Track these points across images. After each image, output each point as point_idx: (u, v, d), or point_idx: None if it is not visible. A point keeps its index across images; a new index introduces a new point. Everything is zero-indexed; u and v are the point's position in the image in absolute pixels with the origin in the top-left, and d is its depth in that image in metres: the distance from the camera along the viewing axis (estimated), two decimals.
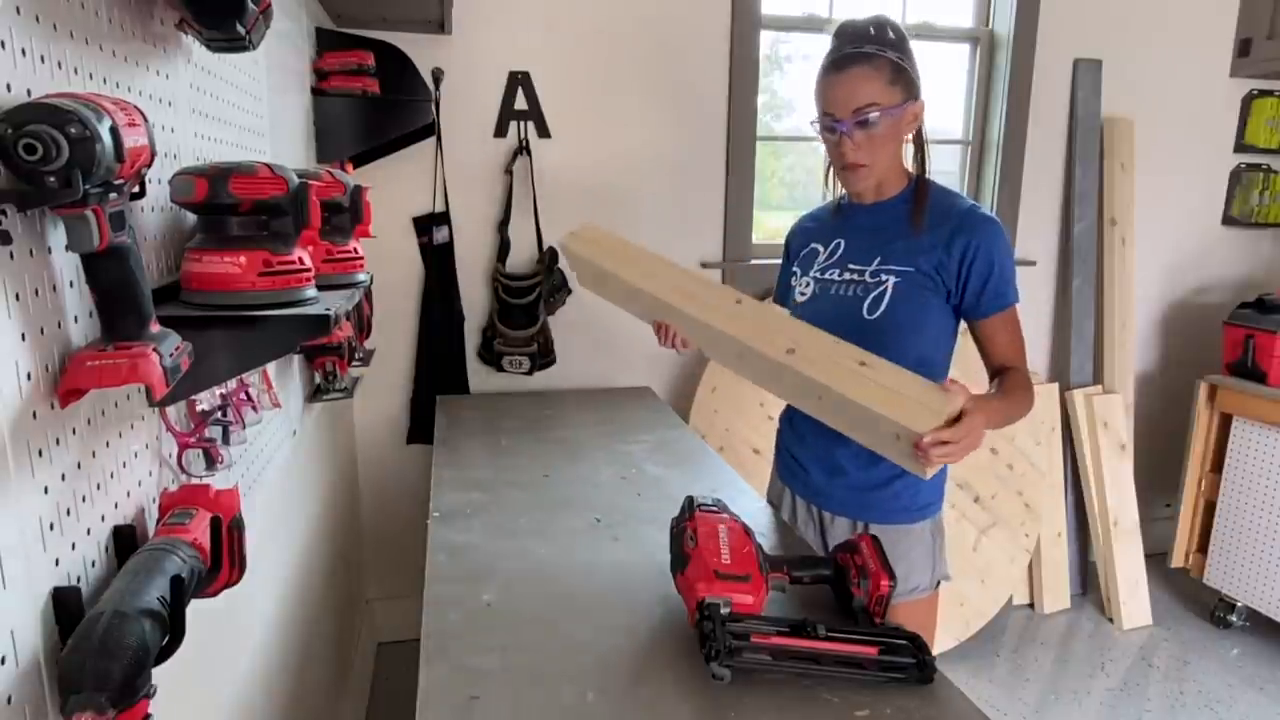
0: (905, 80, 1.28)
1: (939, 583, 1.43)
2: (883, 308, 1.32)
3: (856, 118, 1.26)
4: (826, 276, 1.40)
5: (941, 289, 1.32)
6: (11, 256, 0.58)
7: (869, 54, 1.26)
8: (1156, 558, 2.91)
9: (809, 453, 1.47)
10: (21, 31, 0.61)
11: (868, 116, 1.26)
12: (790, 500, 1.53)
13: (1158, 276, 2.99)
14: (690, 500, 1.16)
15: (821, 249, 1.43)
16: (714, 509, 1.14)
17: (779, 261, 1.58)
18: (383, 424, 2.44)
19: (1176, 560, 2.82)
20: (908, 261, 1.32)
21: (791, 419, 1.54)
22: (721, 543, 1.06)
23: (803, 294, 1.43)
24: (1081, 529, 2.88)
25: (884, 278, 1.33)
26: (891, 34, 1.28)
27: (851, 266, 1.37)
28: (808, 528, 1.50)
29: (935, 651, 1.02)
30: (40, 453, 0.62)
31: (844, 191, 1.43)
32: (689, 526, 1.10)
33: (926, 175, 1.37)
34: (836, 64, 1.28)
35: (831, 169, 1.39)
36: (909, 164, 1.40)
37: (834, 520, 1.46)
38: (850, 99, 1.26)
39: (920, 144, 1.37)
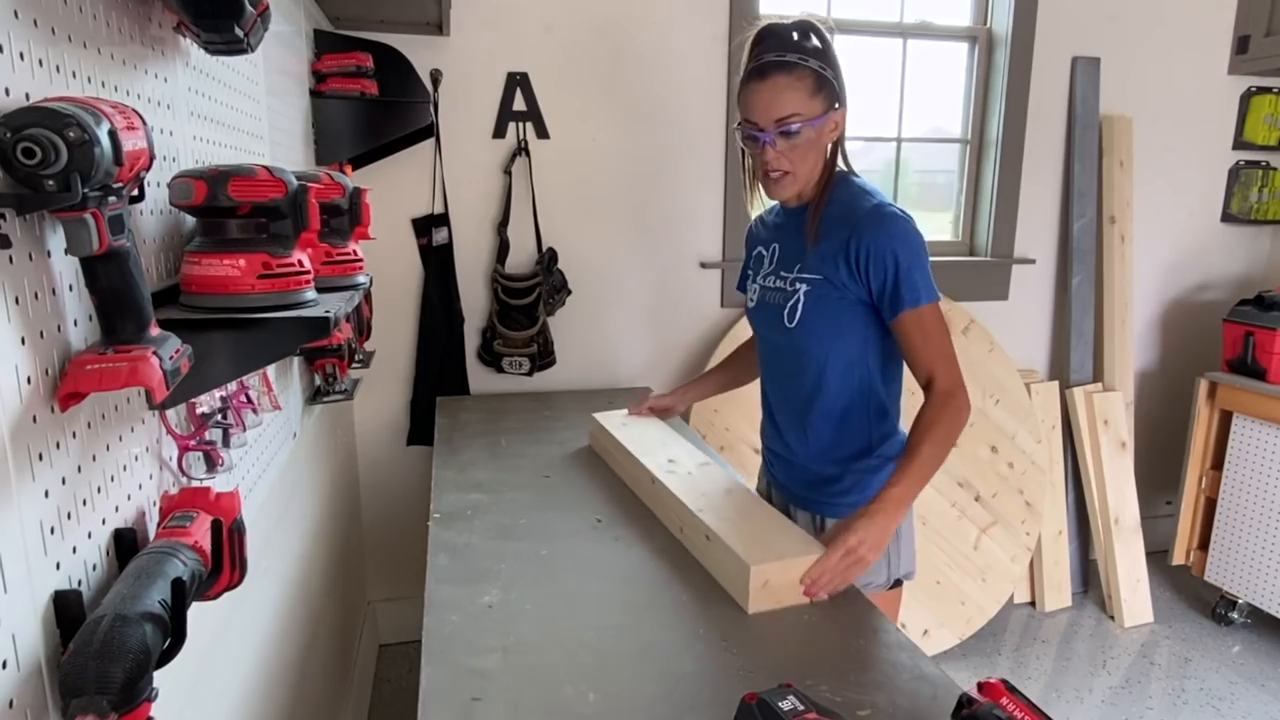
0: (828, 90, 1.26)
1: (898, 581, 1.43)
2: (798, 316, 1.34)
3: (779, 127, 1.25)
4: (765, 284, 1.43)
5: (852, 295, 1.30)
6: (11, 260, 0.58)
7: (792, 63, 1.24)
8: (1157, 555, 2.91)
9: (776, 444, 1.51)
10: (20, 35, 0.61)
11: (789, 128, 1.24)
12: (768, 494, 1.59)
13: (1157, 274, 2.99)
14: (762, 707, 0.80)
15: (765, 254, 1.45)
16: (800, 709, 0.79)
17: None
18: (383, 425, 2.44)
19: (1177, 558, 2.82)
20: (818, 269, 1.32)
21: (766, 415, 1.55)
22: None
23: (752, 300, 1.48)
24: (1082, 527, 2.88)
25: (798, 286, 1.34)
26: (816, 41, 1.26)
27: (781, 274, 1.39)
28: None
29: (937, 650, 0.99)
30: (40, 456, 0.62)
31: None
32: None
33: (848, 177, 1.35)
34: (760, 71, 1.25)
35: (752, 175, 1.38)
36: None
37: (796, 513, 1.48)
38: (772, 108, 1.25)
39: (836, 148, 1.34)
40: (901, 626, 1.26)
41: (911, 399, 1.34)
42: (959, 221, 2.84)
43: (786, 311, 1.35)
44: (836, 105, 1.28)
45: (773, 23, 1.28)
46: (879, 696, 0.95)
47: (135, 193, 0.68)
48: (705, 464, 1.50)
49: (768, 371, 1.51)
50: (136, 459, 0.80)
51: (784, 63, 1.24)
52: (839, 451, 1.40)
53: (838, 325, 1.32)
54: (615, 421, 1.76)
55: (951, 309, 2.58)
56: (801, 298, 1.33)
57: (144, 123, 0.66)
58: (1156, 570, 2.90)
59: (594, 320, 2.47)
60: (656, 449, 1.58)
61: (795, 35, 1.25)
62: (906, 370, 1.37)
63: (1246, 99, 2.91)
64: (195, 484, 0.93)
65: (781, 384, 1.46)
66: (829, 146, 1.33)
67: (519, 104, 2.30)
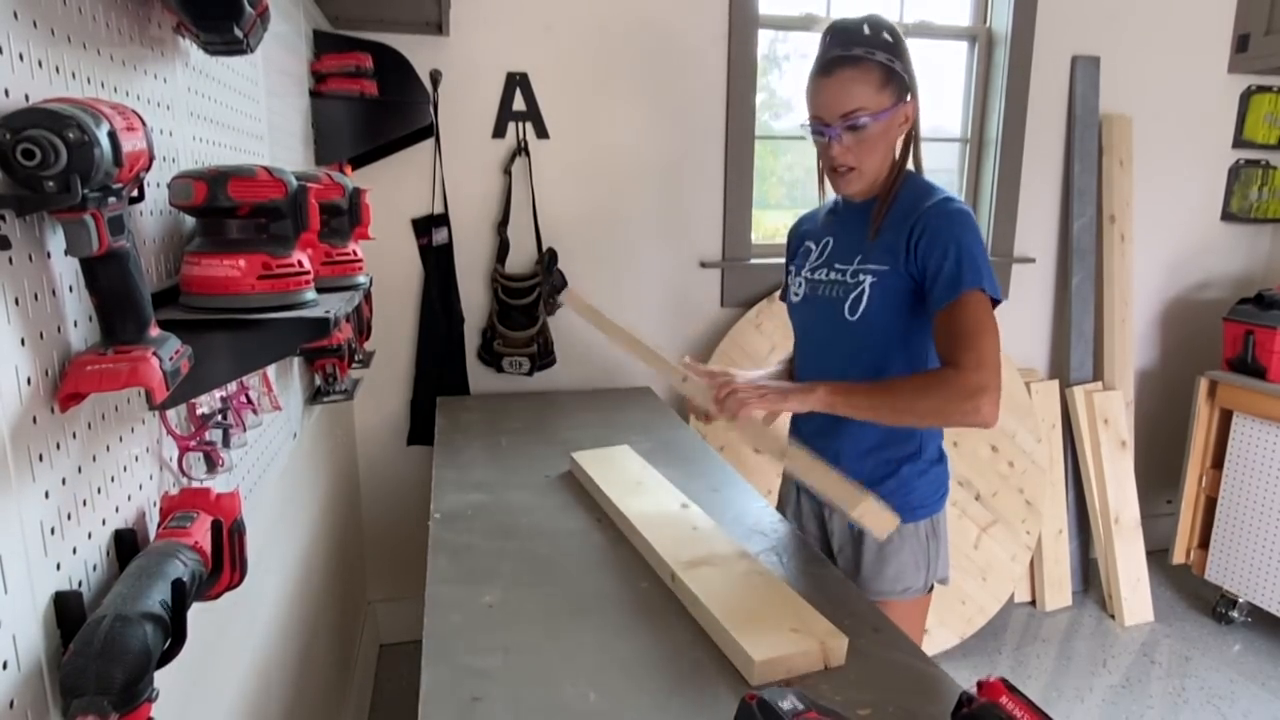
0: (896, 83, 1.25)
1: (933, 585, 1.43)
2: (861, 308, 1.29)
3: (845, 123, 1.25)
4: (815, 276, 1.39)
5: (917, 287, 1.27)
6: (11, 261, 0.59)
7: (858, 57, 1.23)
8: (1158, 554, 2.91)
9: (818, 443, 1.38)
10: (19, 36, 0.61)
11: (855, 122, 1.24)
12: (796, 497, 1.55)
13: (1157, 273, 2.99)
14: (762, 706, 0.77)
15: (814, 247, 1.42)
16: (800, 708, 0.77)
17: (778, 261, 1.59)
18: (383, 426, 2.44)
19: (1178, 557, 2.82)
20: (885, 260, 1.28)
21: (795, 420, 1.51)
22: None
23: (796, 294, 1.44)
24: (1082, 526, 2.88)
25: (862, 278, 1.30)
26: (884, 35, 1.25)
27: (837, 266, 1.35)
28: (810, 522, 1.52)
29: (937, 649, 1.00)
30: (41, 457, 0.62)
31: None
32: None
33: (918, 172, 1.35)
34: (825, 67, 1.26)
35: (821, 171, 1.38)
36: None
37: (832, 515, 1.47)
38: (838, 103, 1.24)
39: (909, 141, 1.34)
40: (926, 632, 1.23)
41: None
42: None
43: (849, 304, 1.30)
44: (907, 98, 1.27)
45: (840, 19, 1.27)
46: (879, 696, 0.95)
47: (135, 193, 0.69)
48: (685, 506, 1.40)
49: (813, 366, 1.42)
50: (137, 460, 0.80)
51: (850, 57, 1.23)
52: (887, 452, 1.37)
53: (906, 320, 1.29)
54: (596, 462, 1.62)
55: None
56: (867, 289, 1.29)
57: (143, 123, 0.66)
58: (1157, 569, 2.90)
59: None
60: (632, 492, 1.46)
61: (865, 30, 1.24)
62: None
63: (1246, 98, 2.91)
64: (195, 484, 0.93)
65: (831, 379, 1.33)
66: (898, 141, 1.31)
67: (519, 104, 2.30)
